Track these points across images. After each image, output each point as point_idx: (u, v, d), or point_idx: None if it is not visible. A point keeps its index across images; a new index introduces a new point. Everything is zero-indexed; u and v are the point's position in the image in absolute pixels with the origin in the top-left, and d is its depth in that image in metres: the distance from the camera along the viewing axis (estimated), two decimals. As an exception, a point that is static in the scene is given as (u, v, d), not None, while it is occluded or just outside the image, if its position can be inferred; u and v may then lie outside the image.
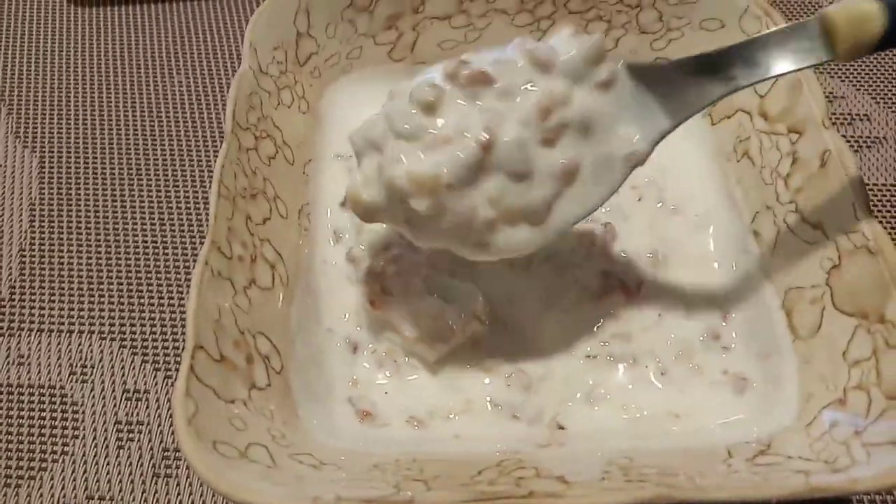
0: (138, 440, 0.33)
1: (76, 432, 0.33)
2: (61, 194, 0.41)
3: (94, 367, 0.35)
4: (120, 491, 0.32)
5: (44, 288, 0.37)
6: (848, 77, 0.47)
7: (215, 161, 0.42)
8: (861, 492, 0.24)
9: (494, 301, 0.33)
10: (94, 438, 0.33)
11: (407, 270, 0.33)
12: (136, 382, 0.35)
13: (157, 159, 0.42)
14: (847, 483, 0.24)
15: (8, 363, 0.35)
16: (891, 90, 0.46)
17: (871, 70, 0.47)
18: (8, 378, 0.35)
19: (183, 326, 0.36)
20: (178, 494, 0.32)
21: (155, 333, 0.36)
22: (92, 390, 0.34)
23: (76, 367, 0.35)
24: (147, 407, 0.34)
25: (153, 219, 0.40)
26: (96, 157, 0.42)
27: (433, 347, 0.31)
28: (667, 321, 0.33)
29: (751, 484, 0.25)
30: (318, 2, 0.37)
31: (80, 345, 0.36)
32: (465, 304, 0.32)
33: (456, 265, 0.33)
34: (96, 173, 0.42)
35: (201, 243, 0.39)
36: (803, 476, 0.25)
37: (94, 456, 0.33)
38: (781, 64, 0.28)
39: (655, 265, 0.35)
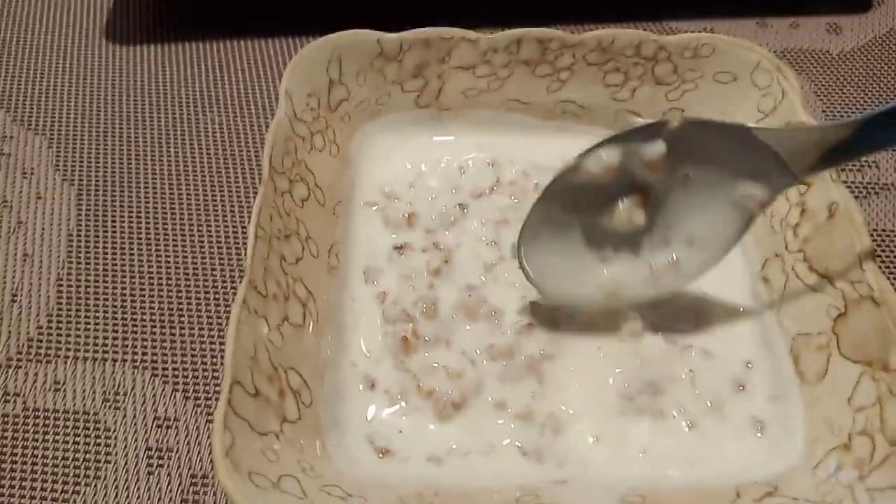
0: (168, 466, 0.34)
1: (108, 458, 0.35)
2: (98, 226, 0.43)
3: (126, 395, 0.36)
4: (150, 516, 0.33)
5: (80, 317, 0.39)
6: (856, 125, 0.48)
7: (247, 196, 0.44)
8: (864, 535, 0.25)
9: (532, 356, 0.34)
10: (126, 464, 0.34)
11: (440, 322, 0.34)
12: (166, 410, 0.36)
13: (192, 193, 0.44)
14: (850, 526, 0.25)
15: (45, 389, 0.37)
16: (899, 138, 0.48)
17: (879, 118, 0.49)
18: (45, 404, 0.36)
19: (213, 357, 0.37)
20: (206, 520, 0.33)
21: (186, 363, 0.37)
22: (124, 417, 0.36)
23: (109, 394, 0.36)
24: (177, 434, 0.35)
25: (185, 251, 0.41)
26: (132, 191, 0.44)
27: (445, 410, 0.32)
28: (700, 371, 0.34)
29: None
30: (349, 52, 0.39)
31: (113, 373, 0.37)
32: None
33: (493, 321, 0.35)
34: (132, 206, 0.43)
35: (231, 277, 0.41)
36: (809, 518, 0.26)
37: (125, 481, 0.34)
38: None
39: (695, 313, 0.35)
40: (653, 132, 0.33)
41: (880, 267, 0.40)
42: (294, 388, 0.30)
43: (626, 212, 0.34)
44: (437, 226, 0.38)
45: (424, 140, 0.41)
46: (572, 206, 0.34)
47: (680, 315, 0.35)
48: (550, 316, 0.35)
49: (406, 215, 0.38)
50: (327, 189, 0.37)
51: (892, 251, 0.42)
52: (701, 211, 0.34)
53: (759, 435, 0.32)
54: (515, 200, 0.39)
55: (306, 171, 0.36)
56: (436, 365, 0.33)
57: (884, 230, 0.43)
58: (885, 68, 0.52)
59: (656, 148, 0.32)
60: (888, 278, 0.40)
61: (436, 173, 0.40)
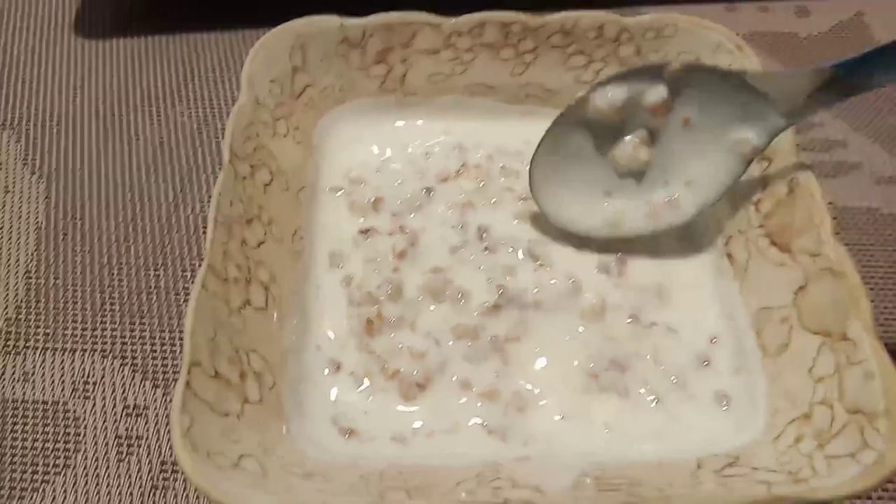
0: (137, 454, 0.34)
1: (78, 446, 0.35)
2: (66, 219, 0.43)
3: (95, 384, 0.36)
4: (119, 503, 0.33)
5: (48, 308, 0.39)
6: (825, 105, 0.49)
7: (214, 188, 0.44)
8: (819, 500, 0.25)
9: (497, 336, 0.34)
10: (95, 452, 0.34)
11: (405, 304, 0.35)
12: (135, 399, 0.36)
13: (160, 185, 0.44)
14: (806, 492, 0.25)
15: (14, 380, 0.37)
16: (867, 117, 0.48)
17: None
18: (13, 394, 0.36)
19: (181, 346, 0.37)
20: (175, 506, 0.33)
21: (155, 352, 0.37)
22: (93, 406, 0.36)
23: (79, 384, 0.37)
24: (146, 422, 0.35)
25: (154, 242, 0.41)
26: (100, 183, 0.44)
27: (409, 390, 0.32)
28: (665, 348, 0.34)
29: (714, 493, 0.26)
30: (312, 38, 0.39)
31: (82, 363, 0.37)
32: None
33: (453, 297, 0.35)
34: (100, 198, 0.43)
35: (200, 266, 0.41)
36: (766, 486, 0.26)
37: (95, 469, 0.34)
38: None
39: (659, 291, 0.36)
40: (654, 73, 0.35)
41: (849, 245, 0.40)
42: (256, 371, 0.30)
43: (631, 149, 0.36)
44: (402, 210, 0.38)
45: (390, 125, 0.41)
46: (581, 138, 0.37)
47: (645, 293, 0.36)
48: (516, 299, 0.35)
49: (372, 200, 0.38)
50: (291, 174, 0.37)
51: (860, 229, 0.43)
52: (699, 154, 0.36)
53: (724, 408, 0.32)
54: (481, 184, 0.39)
55: (269, 157, 0.36)
56: (400, 346, 0.33)
57: (851, 208, 0.44)
58: (853, 51, 0.52)
59: (658, 93, 0.35)
60: (856, 256, 0.40)
61: (401, 158, 0.40)
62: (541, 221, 0.38)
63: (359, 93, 0.41)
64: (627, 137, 0.36)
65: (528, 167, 0.40)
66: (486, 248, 0.37)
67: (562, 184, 0.37)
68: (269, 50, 0.38)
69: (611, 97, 0.35)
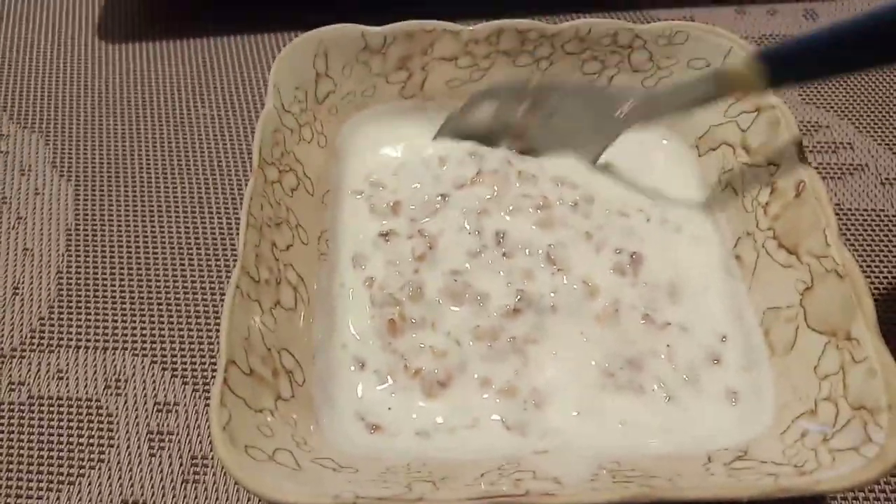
0: (169, 448, 0.36)
1: (111, 441, 0.36)
2: (95, 220, 0.44)
3: (127, 382, 0.38)
4: (152, 495, 0.34)
5: (80, 307, 0.40)
6: (832, 107, 0.50)
7: (239, 187, 0.45)
8: (824, 492, 0.27)
9: (516, 338, 0.35)
10: (128, 447, 0.36)
11: (426, 305, 0.36)
12: (166, 395, 0.37)
13: (185, 186, 0.45)
14: (811, 484, 0.27)
15: (48, 377, 0.38)
16: (873, 120, 0.49)
17: (855, 100, 0.50)
18: (48, 391, 0.38)
19: (210, 344, 0.39)
20: (206, 499, 0.34)
21: (184, 350, 0.39)
22: (126, 403, 0.37)
23: (111, 381, 0.38)
24: (177, 418, 0.37)
25: (181, 243, 0.43)
26: (128, 185, 0.46)
27: (432, 388, 0.34)
28: (677, 347, 0.35)
29: (725, 484, 0.28)
30: (335, 46, 0.40)
31: (114, 360, 0.39)
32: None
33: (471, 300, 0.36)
34: (128, 200, 0.45)
35: (226, 266, 0.42)
36: (773, 478, 0.28)
37: (128, 463, 0.35)
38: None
39: (672, 291, 0.37)
40: (519, 88, 0.41)
41: (855, 245, 0.41)
42: (287, 368, 0.32)
43: (509, 146, 0.42)
44: (419, 214, 0.39)
45: (409, 130, 0.42)
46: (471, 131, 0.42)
47: (657, 293, 0.37)
48: (535, 303, 0.36)
49: (391, 203, 0.40)
50: (316, 178, 0.38)
51: (866, 230, 0.43)
52: (575, 123, 0.41)
53: (733, 404, 0.33)
54: (496, 190, 0.40)
55: (295, 162, 0.37)
56: (422, 345, 0.35)
57: (857, 209, 0.45)
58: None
59: (522, 107, 0.41)
60: (861, 257, 0.42)
61: (418, 163, 0.41)
62: (558, 225, 0.39)
63: (379, 98, 0.42)
64: (504, 139, 0.42)
65: (544, 171, 0.41)
66: (504, 254, 0.38)
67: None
68: (293, 58, 0.39)
69: (486, 109, 0.41)
